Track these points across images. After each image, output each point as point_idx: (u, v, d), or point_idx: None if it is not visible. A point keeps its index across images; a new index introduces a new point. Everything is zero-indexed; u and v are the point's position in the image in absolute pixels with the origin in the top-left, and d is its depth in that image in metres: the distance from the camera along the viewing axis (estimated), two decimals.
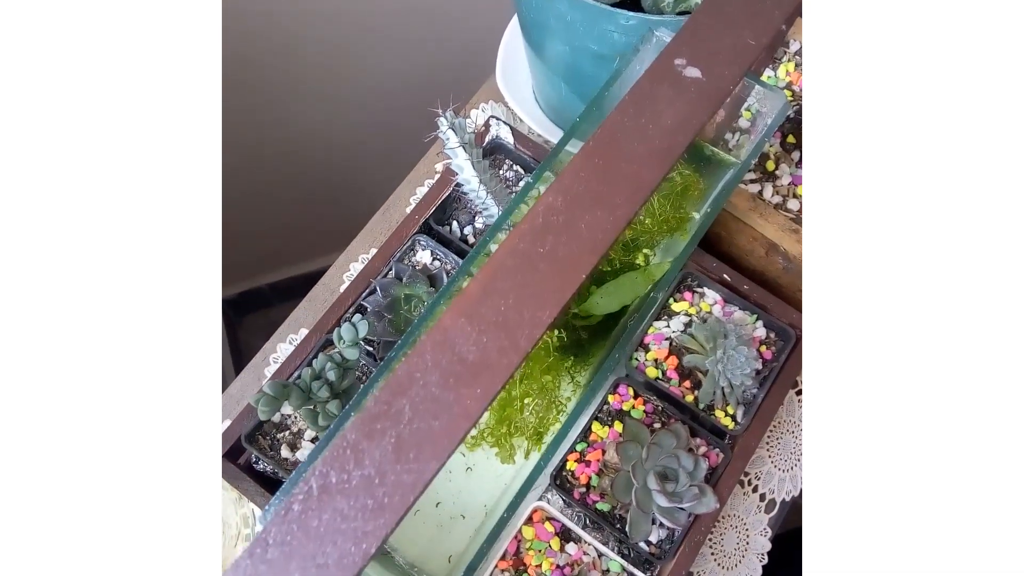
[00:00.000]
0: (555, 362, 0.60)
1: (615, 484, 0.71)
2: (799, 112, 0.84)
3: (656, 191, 0.60)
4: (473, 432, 0.59)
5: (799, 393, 0.93)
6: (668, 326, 0.81)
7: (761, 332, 0.82)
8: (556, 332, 0.59)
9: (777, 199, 0.81)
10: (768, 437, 0.90)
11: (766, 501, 0.88)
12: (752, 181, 0.82)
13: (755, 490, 0.88)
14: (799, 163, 0.83)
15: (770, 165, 0.82)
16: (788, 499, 0.89)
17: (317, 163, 1.51)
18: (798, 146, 0.83)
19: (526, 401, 0.56)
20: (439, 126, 0.66)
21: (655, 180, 0.41)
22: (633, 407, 0.78)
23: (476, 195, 0.70)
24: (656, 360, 0.80)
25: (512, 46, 1.01)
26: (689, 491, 0.71)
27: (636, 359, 0.80)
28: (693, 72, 0.43)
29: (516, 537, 0.72)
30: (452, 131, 0.66)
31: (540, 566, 0.70)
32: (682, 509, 0.72)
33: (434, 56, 1.36)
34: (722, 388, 0.76)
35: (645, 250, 0.60)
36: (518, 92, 0.97)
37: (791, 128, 0.84)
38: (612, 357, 0.58)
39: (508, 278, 0.37)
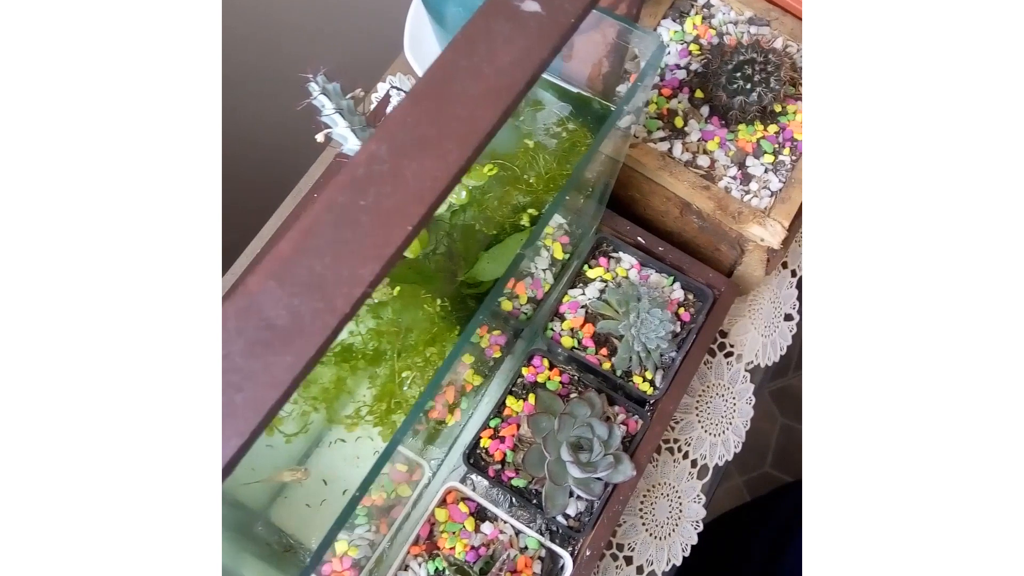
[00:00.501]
0: (441, 333, 0.57)
1: (527, 458, 0.69)
2: (706, 65, 0.82)
3: (494, 134, 0.57)
4: (349, 410, 0.56)
5: (728, 355, 0.91)
6: (583, 293, 0.79)
7: (679, 294, 0.79)
8: (440, 301, 0.56)
9: (687, 156, 0.79)
10: (698, 402, 0.88)
11: (698, 467, 0.86)
12: (661, 139, 0.79)
13: (686, 456, 0.87)
14: (708, 118, 0.80)
15: (679, 122, 0.80)
16: (721, 464, 0.87)
17: (228, 156, 1.46)
18: (706, 100, 0.81)
19: (405, 375, 0.53)
20: (310, 92, 0.62)
21: (491, 122, 0.38)
22: (548, 379, 0.75)
23: None
24: (572, 329, 0.77)
25: (418, 17, 0.97)
26: (604, 460, 0.68)
27: (551, 329, 0.77)
28: (532, 6, 0.40)
29: (429, 520, 0.69)
30: (325, 97, 0.62)
31: (454, 548, 0.67)
32: (598, 479, 0.69)
33: (346, 36, 1.32)
34: (637, 353, 0.74)
35: (531, 210, 0.58)
36: (426, 61, 0.94)
37: (699, 83, 0.81)
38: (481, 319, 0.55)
39: (324, 235, 0.34)
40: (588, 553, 0.68)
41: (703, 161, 0.79)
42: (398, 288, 0.55)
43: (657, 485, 0.85)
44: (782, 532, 1.02)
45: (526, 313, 0.79)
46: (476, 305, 0.60)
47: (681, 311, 0.79)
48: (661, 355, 0.76)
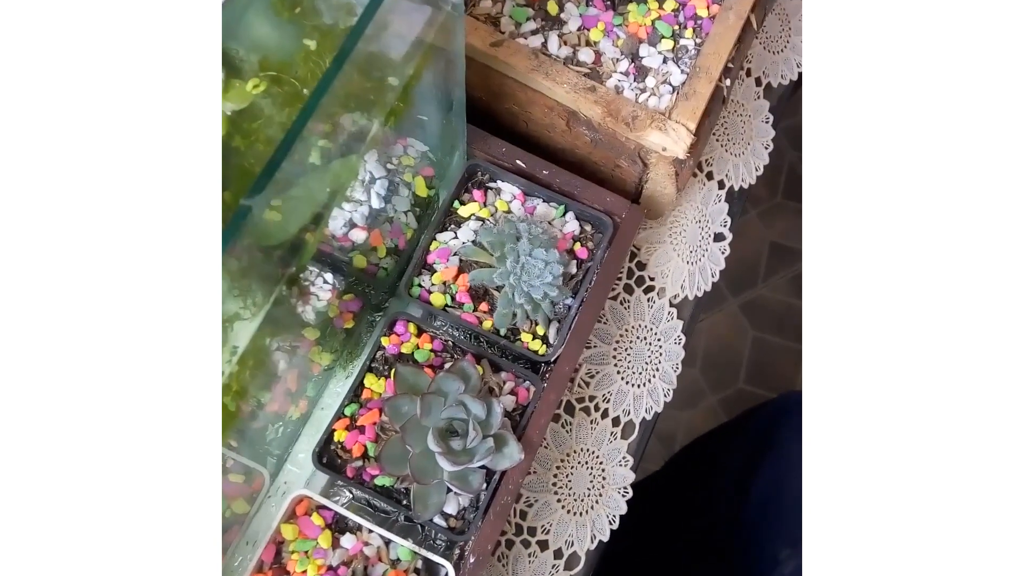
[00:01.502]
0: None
1: (384, 452, 0.55)
2: None
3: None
4: None
5: (648, 290, 0.77)
6: (456, 237, 0.64)
7: (572, 226, 0.65)
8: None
9: (565, 51, 0.63)
10: (616, 349, 0.74)
11: (621, 425, 0.73)
12: (533, 32, 0.63)
13: (605, 415, 0.73)
14: (589, 1, 0.64)
15: (552, 8, 0.63)
16: (650, 418, 0.74)
17: None
18: None
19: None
20: None
21: None
22: (417, 347, 0.61)
23: None
24: (444, 283, 0.62)
25: None
26: (483, 445, 0.55)
27: (418, 284, 0.62)
28: None
29: (274, 540, 0.55)
30: None
31: (305, 572, 0.54)
32: (479, 469, 0.56)
33: None
34: (521, 306, 0.59)
35: (322, 142, 0.42)
36: None
37: None
38: None
39: None
40: (474, 560, 0.55)
41: (586, 56, 0.63)
42: None
43: (573, 452, 0.72)
44: (757, 444, 0.92)
45: (386, 269, 0.64)
46: (288, 257, 0.45)
47: (576, 247, 0.64)
48: (553, 305, 0.61)
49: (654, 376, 0.75)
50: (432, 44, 0.50)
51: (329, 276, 0.58)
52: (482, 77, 0.65)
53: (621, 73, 0.62)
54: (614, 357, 0.75)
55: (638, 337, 0.75)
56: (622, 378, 0.74)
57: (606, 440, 0.73)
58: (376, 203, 0.60)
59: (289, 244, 0.43)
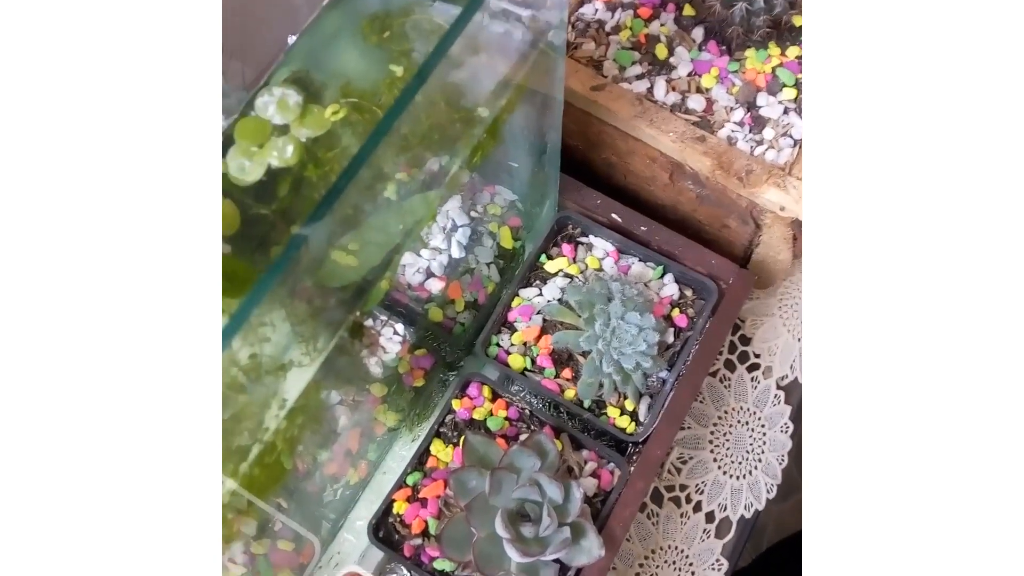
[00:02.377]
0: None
1: (446, 533, 0.48)
2: None
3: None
4: None
5: (752, 368, 0.68)
6: (540, 294, 0.58)
7: (671, 290, 0.58)
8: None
9: (673, 98, 0.57)
10: (713, 433, 0.66)
11: (716, 522, 0.64)
12: (638, 77, 0.58)
13: (698, 508, 0.64)
14: (703, 43, 0.58)
15: (661, 51, 0.58)
16: (749, 515, 0.65)
17: None
18: (699, 20, 0.59)
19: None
20: None
21: None
22: (490, 414, 0.54)
23: None
24: (525, 344, 0.56)
25: None
26: (558, 535, 0.47)
27: (496, 344, 0.56)
28: None
29: None
30: None
31: None
32: (552, 563, 0.48)
33: None
34: (609, 376, 0.52)
35: (400, 175, 0.37)
36: None
37: None
38: None
39: None
40: None
41: (696, 103, 0.57)
42: None
43: (659, 550, 0.63)
44: None
45: (463, 324, 0.59)
46: (353, 301, 0.40)
47: (675, 313, 0.57)
48: (645, 377, 0.54)
49: (756, 467, 0.66)
50: (526, 82, 0.45)
51: (400, 327, 0.53)
52: (580, 124, 0.60)
53: (735, 123, 0.55)
54: (711, 442, 0.66)
55: (739, 421, 0.67)
56: (719, 467, 0.65)
57: (697, 538, 0.64)
58: (456, 252, 0.56)
59: (356, 286, 0.38)
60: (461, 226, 0.57)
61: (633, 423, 0.54)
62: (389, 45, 0.40)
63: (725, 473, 0.65)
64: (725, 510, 0.64)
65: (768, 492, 0.66)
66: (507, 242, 0.60)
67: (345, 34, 0.41)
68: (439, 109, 0.37)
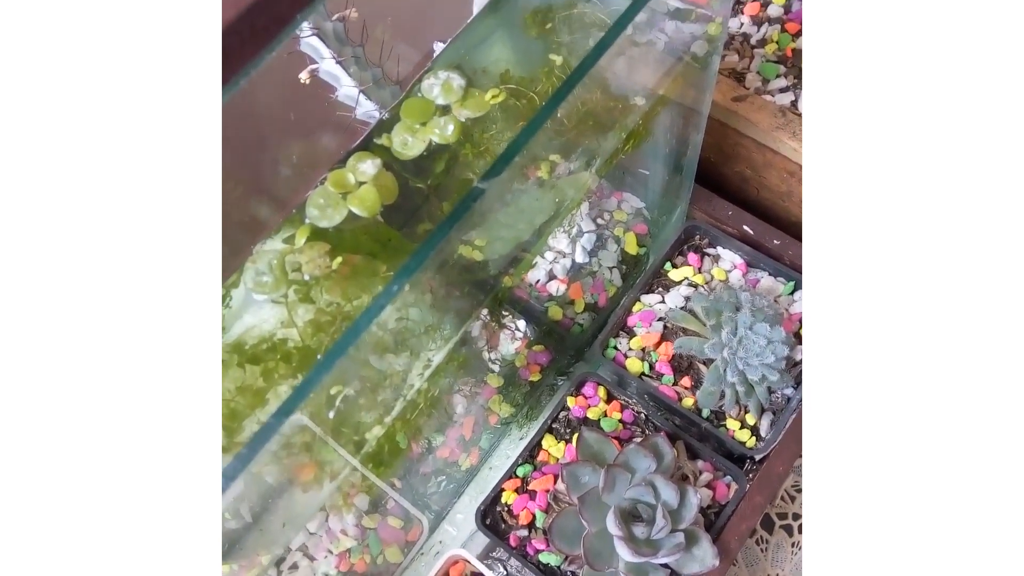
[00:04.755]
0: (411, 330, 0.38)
1: (556, 525, 0.48)
2: None
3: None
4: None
5: None
6: (663, 301, 0.57)
7: (801, 306, 0.56)
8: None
9: None
10: None
11: None
12: (781, 90, 0.57)
13: None
14: None
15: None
16: None
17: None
18: None
19: (340, 392, 0.34)
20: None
21: None
22: (604, 415, 0.54)
23: (357, 107, 0.50)
24: (643, 349, 0.56)
25: None
26: (671, 539, 0.46)
27: (614, 347, 0.56)
28: None
29: None
30: (318, 37, 0.46)
31: None
32: (661, 567, 0.47)
33: None
34: (733, 385, 0.51)
35: (553, 157, 0.38)
36: None
37: None
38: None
39: None
40: None
41: None
42: (339, 259, 0.37)
43: None
44: None
45: (581, 325, 0.59)
46: (479, 294, 0.41)
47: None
48: (770, 391, 0.53)
49: None
50: (675, 86, 0.45)
51: (521, 323, 0.54)
52: (716, 136, 0.60)
53: None
54: None
55: None
56: None
57: None
58: (580, 257, 0.56)
59: (499, 267, 0.39)
60: (587, 232, 0.57)
61: (754, 438, 0.52)
62: (549, 36, 0.41)
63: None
64: None
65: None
66: (632, 248, 0.60)
67: (507, 27, 0.43)
68: (594, 99, 0.38)
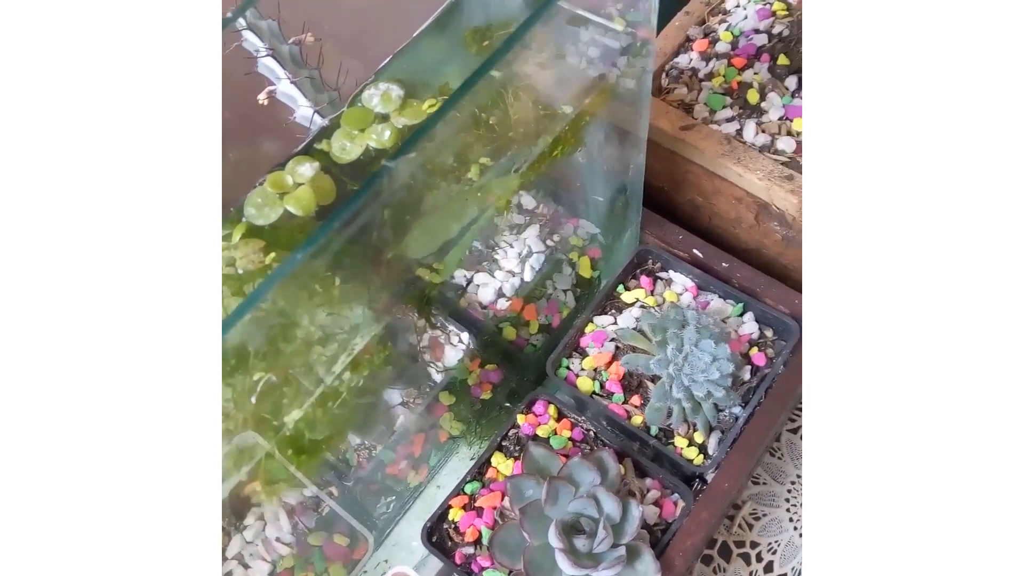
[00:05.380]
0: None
1: (497, 538, 0.47)
2: (796, 25, 0.62)
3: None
4: None
5: None
6: (615, 322, 0.58)
7: (750, 328, 0.57)
8: (337, 282, 0.38)
9: (763, 139, 0.58)
10: (791, 492, 0.63)
11: None
12: (728, 120, 0.59)
13: (769, 570, 0.61)
14: (796, 91, 0.59)
15: (752, 96, 0.59)
16: None
17: None
18: (793, 69, 0.60)
19: (262, 379, 0.35)
20: (240, 38, 0.49)
21: None
22: (554, 433, 0.54)
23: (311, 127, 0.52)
24: (595, 369, 0.56)
25: None
26: (612, 552, 0.46)
27: (566, 366, 0.56)
28: None
29: None
30: (252, 32, 0.48)
31: None
32: None
33: None
34: (679, 402, 0.52)
35: (484, 160, 0.39)
36: None
37: (783, 48, 0.61)
38: None
39: None
40: None
41: (786, 144, 0.57)
42: (272, 255, 0.38)
43: None
44: None
45: (535, 345, 0.60)
46: (400, 287, 0.42)
47: (753, 352, 0.56)
48: (717, 410, 0.53)
49: None
50: (607, 102, 0.47)
51: (465, 335, 0.54)
52: (666, 164, 0.61)
53: None
54: (787, 501, 0.63)
55: None
56: (795, 529, 0.62)
57: None
58: (528, 276, 0.57)
59: (423, 261, 0.40)
60: (536, 252, 0.58)
61: (701, 455, 0.52)
62: (487, 53, 0.43)
63: (802, 535, 0.62)
64: (799, 575, 0.60)
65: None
66: (586, 271, 0.61)
67: (448, 43, 0.45)
68: (522, 107, 0.40)
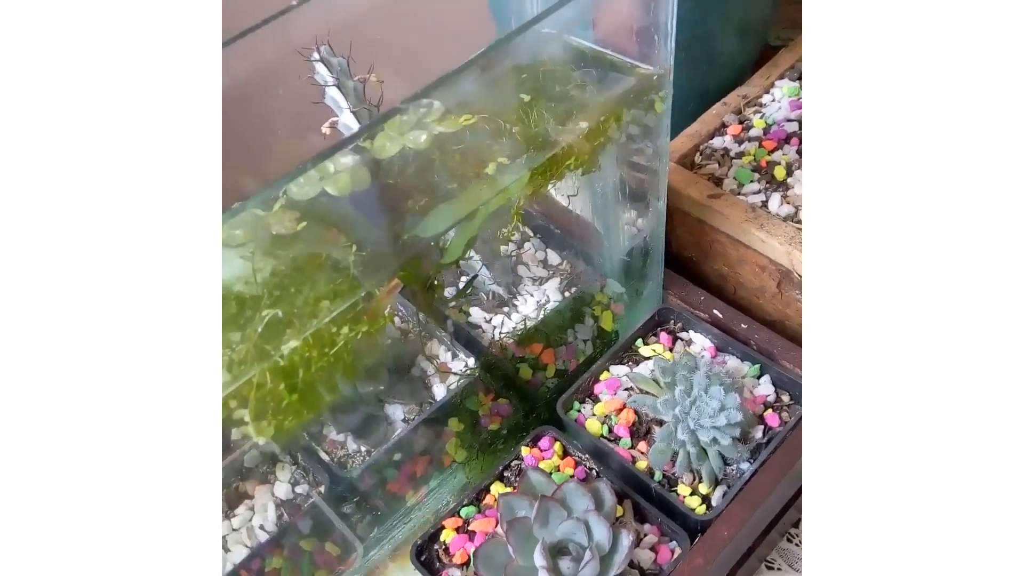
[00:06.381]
0: (345, 290, 0.41)
1: (481, 553, 0.46)
2: None
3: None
4: None
5: None
6: (629, 374, 0.59)
7: (767, 390, 0.56)
8: (356, 251, 0.41)
9: (787, 209, 0.60)
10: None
11: None
12: (754, 192, 0.62)
13: None
14: None
15: (779, 172, 0.62)
16: None
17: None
18: None
19: (269, 315, 0.37)
20: (314, 69, 0.56)
21: None
22: (557, 469, 0.54)
23: None
24: (606, 416, 0.56)
25: None
26: None
27: (577, 409, 0.57)
28: None
29: None
30: (326, 68, 0.55)
31: None
32: None
33: None
34: (684, 446, 0.51)
35: (501, 159, 0.43)
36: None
37: None
38: None
39: None
40: None
41: None
42: (303, 224, 0.42)
43: None
44: None
45: (549, 387, 0.60)
46: (424, 282, 0.44)
47: (767, 413, 0.55)
48: (725, 462, 0.52)
49: None
50: (617, 127, 0.50)
51: (471, 360, 0.56)
52: (695, 235, 0.64)
53: None
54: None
55: None
56: None
57: None
58: (537, 317, 0.59)
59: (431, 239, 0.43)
60: (554, 302, 0.60)
61: (704, 505, 0.51)
62: (526, 84, 0.48)
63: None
64: None
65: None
66: (607, 324, 0.62)
67: (491, 75, 0.51)
68: (539, 113, 0.44)
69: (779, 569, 0.60)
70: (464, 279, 0.62)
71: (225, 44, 0.49)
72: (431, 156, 0.44)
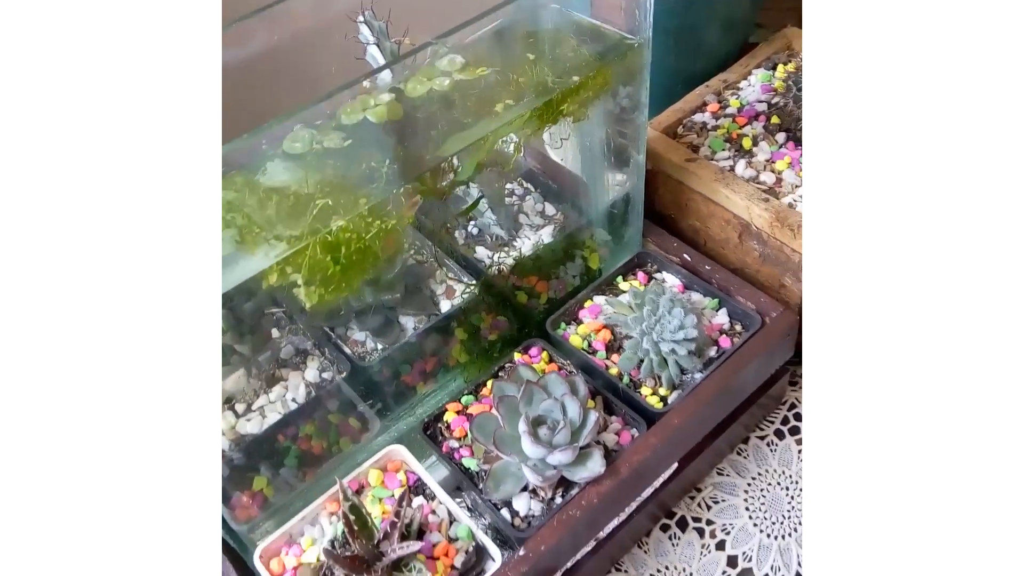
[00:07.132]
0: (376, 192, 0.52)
1: (476, 421, 0.57)
2: (788, 94, 0.76)
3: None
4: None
5: (800, 443, 0.72)
6: (609, 300, 0.69)
7: (723, 320, 0.67)
8: (388, 162, 0.52)
9: (750, 173, 0.71)
10: (750, 486, 0.69)
11: (738, 568, 0.65)
12: (724, 159, 0.73)
13: (721, 547, 0.66)
14: (783, 144, 0.73)
15: (747, 143, 0.73)
16: None
17: None
18: (783, 127, 0.74)
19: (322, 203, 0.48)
20: (359, 30, 0.67)
21: None
22: (543, 371, 0.64)
23: None
24: (587, 335, 0.67)
25: None
26: (569, 445, 0.55)
27: (563, 328, 0.68)
28: None
29: (359, 479, 0.59)
30: (368, 29, 0.66)
31: (371, 513, 0.56)
32: (555, 468, 0.55)
33: None
34: (648, 353, 0.62)
35: (508, 100, 0.54)
36: None
37: (777, 111, 0.75)
38: None
39: None
40: (522, 552, 0.52)
41: (767, 178, 0.70)
42: (349, 141, 0.53)
43: (672, 569, 0.65)
44: None
45: (541, 311, 0.71)
46: (439, 195, 0.55)
47: (721, 338, 0.65)
48: (682, 371, 0.62)
49: (791, 534, 0.67)
50: (601, 81, 0.61)
51: (469, 280, 0.67)
52: (674, 194, 0.75)
53: (797, 196, 0.68)
54: (746, 492, 0.69)
55: (778, 484, 0.70)
56: (751, 519, 0.68)
57: (714, 574, 0.65)
58: (527, 250, 0.70)
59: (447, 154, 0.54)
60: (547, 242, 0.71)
61: (662, 403, 0.61)
62: (531, 46, 0.59)
63: (756, 526, 0.68)
64: (750, 560, 0.66)
65: (799, 566, 0.67)
66: (594, 263, 0.73)
67: (503, 36, 0.62)
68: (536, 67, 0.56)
69: (727, 475, 0.70)
70: (473, 224, 0.73)
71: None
72: (452, 97, 0.55)
